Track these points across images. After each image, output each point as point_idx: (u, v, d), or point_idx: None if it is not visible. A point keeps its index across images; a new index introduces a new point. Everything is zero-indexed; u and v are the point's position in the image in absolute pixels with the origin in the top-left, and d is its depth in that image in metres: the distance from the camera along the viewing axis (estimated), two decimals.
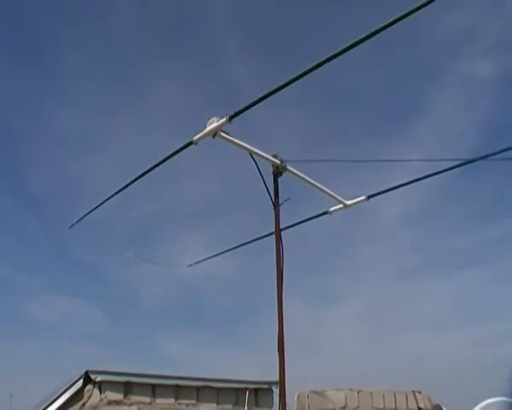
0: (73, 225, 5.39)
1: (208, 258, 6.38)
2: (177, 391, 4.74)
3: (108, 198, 5.19)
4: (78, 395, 4.21)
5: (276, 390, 5.20)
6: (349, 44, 3.17)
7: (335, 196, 5.88)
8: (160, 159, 4.61)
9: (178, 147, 4.56)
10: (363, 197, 5.73)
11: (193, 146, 4.59)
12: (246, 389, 5.14)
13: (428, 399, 7.91)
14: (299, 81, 3.80)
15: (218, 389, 4.98)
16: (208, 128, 4.43)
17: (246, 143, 5.05)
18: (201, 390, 4.87)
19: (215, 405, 4.94)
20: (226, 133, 4.68)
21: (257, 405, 5.31)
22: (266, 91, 4.13)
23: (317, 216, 5.98)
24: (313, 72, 3.61)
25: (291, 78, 3.85)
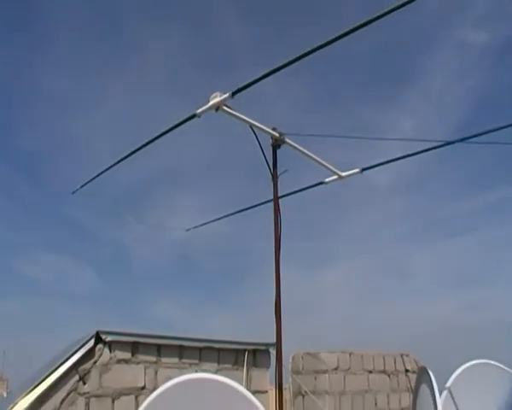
0: (76, 190, 5.50)
1: (206, 223, 6.60)
2: (181, 351, 5.01)
3: (111, 166, 5.34)
4: (89, 354, 4.46)
5: (273, 352, 5.48)
6: (356, 25, 3.32)
7: (331, 167, 6.09)
8: (163, 130, 4.78)
9: (181, 119, 4.74)
10: (357, 170, 5.94)
11: (196, 118, 4.79)
12: (245, 350, 5.41)
13: (415, 361, 8.26)
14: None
15: (219, 350, 5.25)
16: (211, 102, 4.62)
17: (246, 116, 5.24)
18: (204, 351, 5.14)
19: (216, 364, 5.21)
20: (228, 107, 4.87)
21: (255, 365, 5.59)
22: (270, 69, 4.30)
23: (312, 186, 6.20)
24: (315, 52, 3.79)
25: (295, 56, 4.02)
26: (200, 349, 5.08)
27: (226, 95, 4.58)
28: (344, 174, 5.95)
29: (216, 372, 5.06)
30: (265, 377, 5.60)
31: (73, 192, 5.51)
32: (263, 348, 5.57)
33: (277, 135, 5.51)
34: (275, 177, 5.65)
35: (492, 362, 6.82)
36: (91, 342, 4.41)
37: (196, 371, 4.67)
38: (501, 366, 6.83)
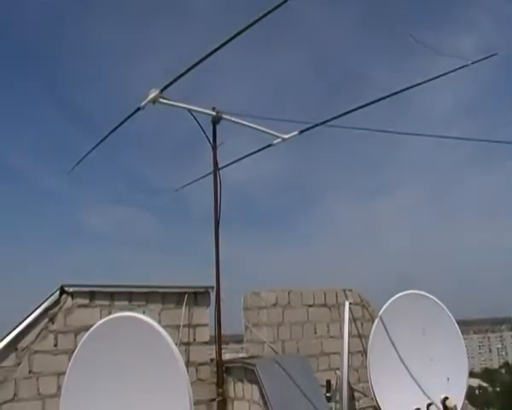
0: (73, 169, 6.78)
1: (192, 182, 8.07)
2: (131, 296, 6.62)
3: (92, 149, 6.61)
4: (57, 302, 6.11)
5: (212, 293, 7.07)
6: None
7: (272, 132, 7.51)
8: (114, 126, 6.04)
9: (128, 113, 6.00)
10: (295, 132, 7.33)
11: (141, 111, 6.05)
12: (185, 292, 7.01)
13: (359, 296, 9.48)
14: None
15: (164, 294, 6.86)
16: (149, 97, 5.90)
17: (184, 103, 6.58)
18: (150, 295, 6.75)
19: (161, 305, 6.84)
20: (166, 98, 6.18)
21: (196, 305, 7.18)
22: (197, 59, 5.43)
23: (261, 149, 7.61)
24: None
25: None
26: (147, 294, 6.68)
27: (157, 91, 5.88)
28: (286, 136, 7.36)
29: (160, 311, 6.70)
30: (204, 314, 7.20)
31: (69, 172, 6.82)
32: (202, 290, 7.15)
33: (215, 113, 6.91)
34: (214, 149, 7.12)
35: (422, 292, 8.34)
36: (57, 294, 6.06)
37: (144, 312, 6.26)
38: (429, 295, 8.35)
